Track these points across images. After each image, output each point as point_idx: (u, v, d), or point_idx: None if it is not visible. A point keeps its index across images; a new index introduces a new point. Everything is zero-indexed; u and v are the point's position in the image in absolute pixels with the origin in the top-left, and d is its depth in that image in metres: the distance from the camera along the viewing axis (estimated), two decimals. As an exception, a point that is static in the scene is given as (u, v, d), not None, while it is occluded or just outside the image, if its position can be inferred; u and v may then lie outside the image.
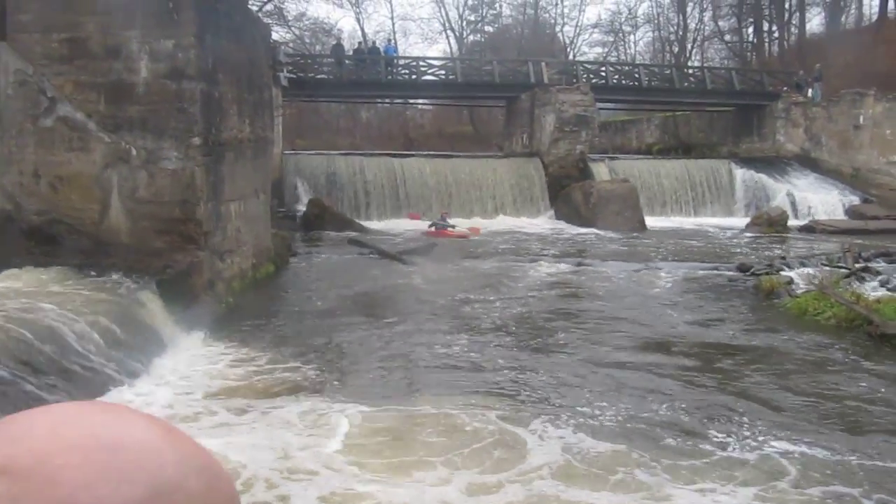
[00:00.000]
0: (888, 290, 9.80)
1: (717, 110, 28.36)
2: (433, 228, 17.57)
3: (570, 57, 39.70)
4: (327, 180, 20.68)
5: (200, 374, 6.66)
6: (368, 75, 23.99)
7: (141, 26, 8.34)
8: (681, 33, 41.05)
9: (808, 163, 24.10)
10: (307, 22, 33.31)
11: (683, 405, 5.96)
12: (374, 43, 27.62)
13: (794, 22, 36.56)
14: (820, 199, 22.18)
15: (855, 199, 22.13)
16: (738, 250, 15.69)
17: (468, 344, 7.81)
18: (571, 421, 5.55)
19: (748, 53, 38.02)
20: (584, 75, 24.75)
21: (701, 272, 12.30)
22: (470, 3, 43.74)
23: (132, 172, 8.41)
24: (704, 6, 39.60)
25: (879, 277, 10.47)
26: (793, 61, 31.54)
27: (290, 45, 28.76)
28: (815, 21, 38.05)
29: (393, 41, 33.32)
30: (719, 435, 5.34)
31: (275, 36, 22.20)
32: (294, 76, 21.24)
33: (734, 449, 5.11)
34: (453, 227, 17.67)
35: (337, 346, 7.72)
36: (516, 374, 6.77)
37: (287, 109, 24.56)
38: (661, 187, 22.62)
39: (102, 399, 5.65)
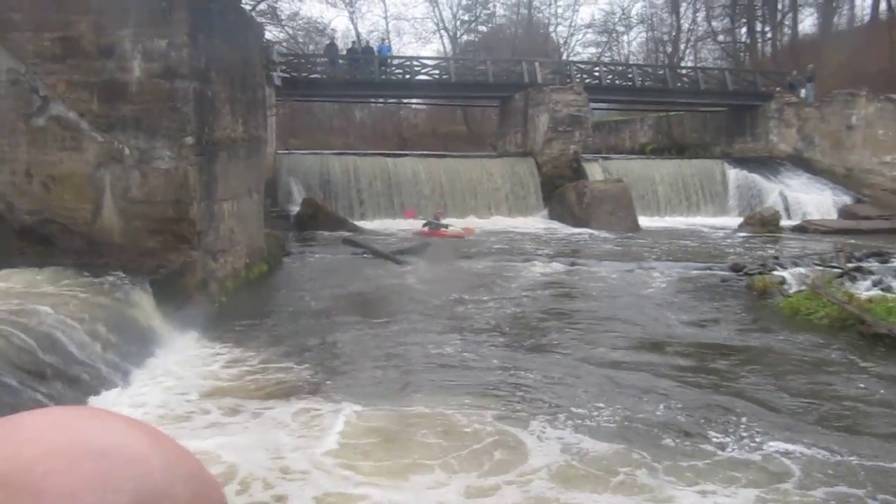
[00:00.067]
0: (880, 289, 9.83)
1: (710, 110, 28.43)
2: (427, 228, 17.55)
3: (564, 57, 39.76)
4: (321, 180, 20.64)
5: (193, 374, 6.63)
6: (362, 75, 23.97)
7: (134, 25, 8.30)
8: (674, 34, 41.11)
9: (801, 163, 24.19)
10: (301, 21, 33.30)
11: (680, 405, 5.95)
12: (367, 42, 27.67)
13: (786, 22, 36.68)
14: (812, 200, 22.25)
15: (847, 200, 22.21)
16: (732, 250, 15.73)
17: (463, 344, 7.80)
18: (569, 421, 5.53)
19: (741, 54, 38.09)
20: (578, 75, 24.79)
21: (694, 272, 12.32)
22: (464, 2, 43.77)
23: (125, 172, 8.37)
24: (697, 7, 39.70)
25: (872, 277, 10.50)
26: (786, 62, 31.63)
27: (284, 44, 28.71)
28: (808, 22, 38.22)
29: (387, 41, 33.23)
30: (718, 435, 5.32)
31: (268, 35, 22.20)
32: (287, 76, 21.20)
33: (734, 449, 5.09)
34: (447, 226, 17.66)
35: (331, 346, 7.69)
36: (511, 375, 6.75)
37: (280, 109, 24.53)
38: (655, 187, 22.66)
39: (95, 400, 5.63)
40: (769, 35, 37.79)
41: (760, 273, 11.15)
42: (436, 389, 6.29)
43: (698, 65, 34.07)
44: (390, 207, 20.60)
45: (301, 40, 33.34)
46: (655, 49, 42.40)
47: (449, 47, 42.87)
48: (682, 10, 40.54)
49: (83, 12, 8.31)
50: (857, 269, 10.87)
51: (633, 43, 46.01)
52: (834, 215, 21.40)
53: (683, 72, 29.40)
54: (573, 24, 45.65)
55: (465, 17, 44.75)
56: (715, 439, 5.26)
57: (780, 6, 36.35)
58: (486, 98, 28.31)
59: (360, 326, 8.49)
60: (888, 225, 19.38)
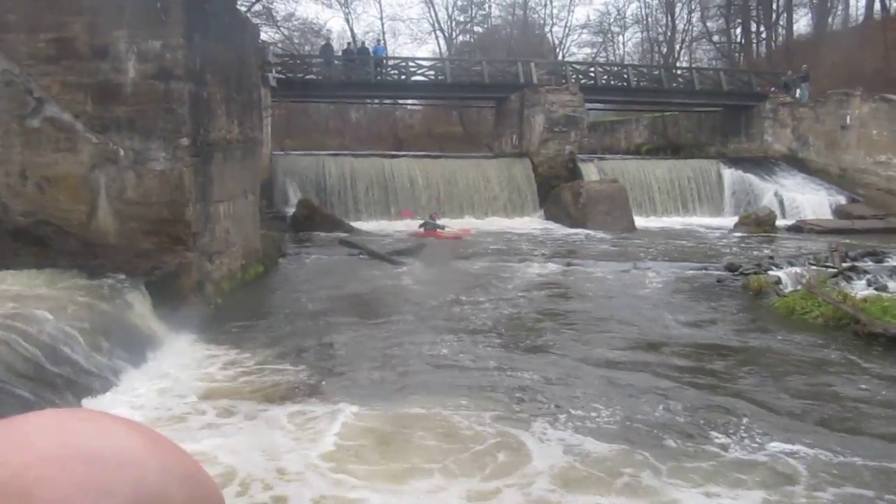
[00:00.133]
0: (875, 289, 9.86)
1: (705, 111, 28.48)
2: (423, 229, 17.52)
3: (560, 57, 39.77)
4: (317, 181, 20.60)
5: (189, 376, 6.60)
6: (358, 76, 23.93)
7: (128, 26, 8.27)
8: (669, 34, 41.20)
9: (796, 163, 24.24)
10: (296, 22, 33.24)
11: (680, 406, 5.93)
12: (363, 43, 27.57)
13: (781, 23, 36.76)
14: (807, 199, 22.28)
15: (842, 199, 22.25)
16: (727, 250, 15.75)
17: (459, 345, 7.78)
18: (569, 423, 5.50)
19: (736, 54, 38.18)
20: (574, 76, 24.78)
21: (690, 272, 12.33)
22: (459, 3, 43.80)
23: (120, 173, 8.35)
24: (692, 7, 39.82)
25: (866, 277, 10.54)
26: (780, 62, 31.70)
27: (279, 45, 28.66)
28: (803, 22, 38.38)
29: (382, 41, 33.24)
30: (720, 436, 5.30)
31: (263, 36, 22.13)
32: (283, 76, 21.17)
33: (736, 450, 5.06)
34: (443, 227, 17.64)
35: (327, 348, 7.67)
36: (509, 375, 6.74)
37: (276, 110, 24.48)
38: (650, 187, 22.67)
39: (90, 402, 5.61)
40: (764, 35, 37.91)
41: (756, 273, 11.17)
42: (433, 390, 6.27)
43: (693, 65, 34.15)
44: (386, 208, 20.57)
45: (297, 41, 33.29)
46: (651, 49, 42.47)
47: (444, 48, 42.88)
48: (677, 10, 40.69)
49: (77, 13, 8.28)
50: (852, 268, 10.90)
51: (629, 43, 46.19)
52: (829, 215, 21.44)
53: (678, 72, 29.45)
54: (568, 25, 45.76)
55: (461, 18, 44.86)
56: (717, 440, 5.23)
57: (774, 6, 36.46)
58: (482, 99, 28.32)
59: (356, 327, 8.47)
60: (882, 224, 19.45)
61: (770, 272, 11.19)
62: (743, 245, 16.69)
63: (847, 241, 14.84)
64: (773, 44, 36.89)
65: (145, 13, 8.26)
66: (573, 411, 5.75)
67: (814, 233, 18.47)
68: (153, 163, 8.33)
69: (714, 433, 5.36)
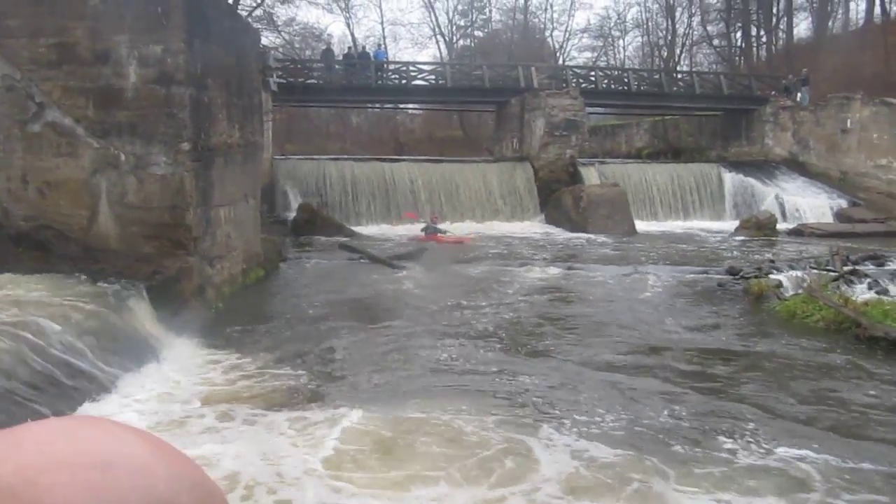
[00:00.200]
0: (876, 293, 9.85)
1: (705, 114, 28.52)
2: (424, 234, 17.53)
3: (560, 61, 39.83)
4: (317, 185, 20.63)
5: (190, 380, 6.59)
6: (358, 80, 23.98)
7: (130, 31, 8.28)
8: (669, 38, 41.24)
9: (796, 166, 24.26)
10: (297, 27, 33.33)
11: (685, 411, 5.90)
12: (363, 48, 27.68)
13: (781, 27, 36.80)
14: (808, 203, 22.30)
15: (843, 203, 22.27)
16: (728, 254, 15.74)
17: (461, 349, 7.76)
18: (575, 428, 5.46)
19: (736, 58, 38.24)
20: (574, 80, 24.82)
21: (691, 276, 12.32)
22: (460, 7, 43.93)
23: (121, 178, 8.35)
24: (693, 11, 39.91)
25: (867, 280, 10.53)
26: (780, 66, 31.73)
27: (280, 50, 28.73)
28: (803, 26, 38.41)
29: (383, 46, 33.32)
30: (727, 441, 5.25)
31: (264, 41, 22.20)
32: (284, 81, 21.21)
33: (745, 456, 5.00)
34: (445, 231, 17.65)
35: (328, 352, 7.66)
36: (511, 380, 6.71)
37: (277, 114, 24.51)
38: (651, 191, 22.70)
39: (91, 407, 5.60)
40: (764, 39, 37.94)
41: (757, 277, 11.16)
42: (435, 395, 6.23)
43: (694, 69, 34.27)
44: (387, 213, 20.60)
45: (297, 46, 33.39)
46: (651, 53, 42.55)
47: (445, 52, 42.97)
48: (677, 14, 40.76)
49: (79, 18, 8.30)
50: (853, 272, 10.89)
51: (629, 47, 46.27)
52: (829, 219, 21.45)
53: (679, 76, 29.51)
54: (569, 29, 45.84)
55: (462, 23, 44.96)
56: (725, 445, 5.18)
57: (774, 10, 36.52)
58: (483, 103, 28.36)
59: (357, 332, 8.46)
60: (883, 228, 19.45)
61: (771, 276, 11.19)
62: (744, 249, 16.68)
63: (848, 244, 14.82)
64: (773, 47, 36.94)
65: (146, 18, 8.27)
66: (578, 416, 5.72)
67: (815, 236, 18.47)
68: (154, 167, 8.34)
69: (721, 438, 5.31)
